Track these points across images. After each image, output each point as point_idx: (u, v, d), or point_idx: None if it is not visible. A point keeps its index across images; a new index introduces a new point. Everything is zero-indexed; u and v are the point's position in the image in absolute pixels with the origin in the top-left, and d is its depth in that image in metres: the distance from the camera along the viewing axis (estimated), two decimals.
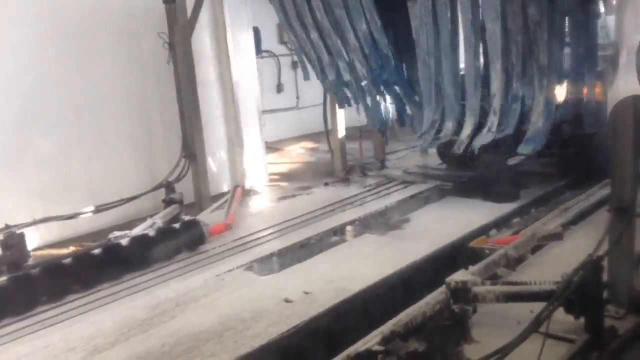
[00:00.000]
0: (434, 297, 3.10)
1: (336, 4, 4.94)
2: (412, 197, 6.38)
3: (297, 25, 5.33)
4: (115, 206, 5.69)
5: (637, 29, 3.23)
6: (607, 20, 6.58)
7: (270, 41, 9.62)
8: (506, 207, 5.65)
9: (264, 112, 7.82)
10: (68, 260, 4.49)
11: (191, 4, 6.02)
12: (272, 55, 9.92)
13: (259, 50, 8.31)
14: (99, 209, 5.58)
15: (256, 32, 7.84)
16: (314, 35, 5.27)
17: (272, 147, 9.17)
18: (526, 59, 4.29)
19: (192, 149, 6.10)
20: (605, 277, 3.01)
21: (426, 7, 4.55)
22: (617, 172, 3.17)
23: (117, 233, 5.04)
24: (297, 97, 10.36)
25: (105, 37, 6.01)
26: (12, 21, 5.38)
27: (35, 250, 5.14)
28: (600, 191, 5.37)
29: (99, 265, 4.54)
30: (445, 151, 7.06)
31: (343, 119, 7.40)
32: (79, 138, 5.91)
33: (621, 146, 3.14)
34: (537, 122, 4.39)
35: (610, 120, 3.29)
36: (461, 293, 3.06)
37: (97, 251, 4.62)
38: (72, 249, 5.30)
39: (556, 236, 4.25)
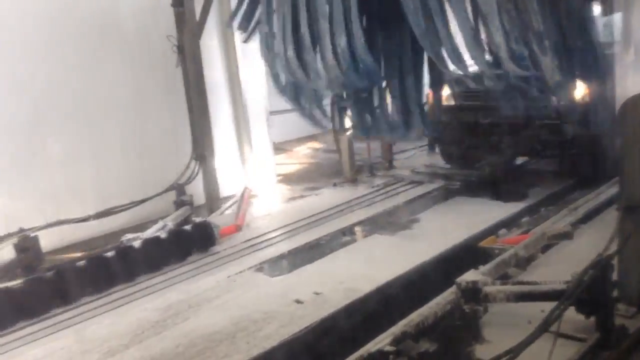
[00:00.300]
0: (445, 297, 3.12)
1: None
2: (420, 197, 6.39)
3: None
4: (126, 209, 5.74)
5: None
6: (611, 20, 6.57)
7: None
8: (515, 207, 5.66)
9: (272, 112, 7.86)
10: (82, 263, 4.54)
11: (199, 7, 6.07)
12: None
13: None
14: (110, 212, 5.63)
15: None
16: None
17: (280, 147, 9.20)
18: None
19: (201, 151, 6.14)
20: (615, 276, 3.02)
21: None
22: (626, 170, 3.17)
23: (129, 235, 5.10)
24: None
25: (115, 40, 6.07)
26: (23, 25, 5.44)
27: (48, 253, 5.20)
28: (609, 190, 5.37)
29: (112, 267, 4.59)
30: (449, 152, 7.12)
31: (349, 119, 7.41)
32: (90, 141, 5.97)
33: (630, 144, 3.15)
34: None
35: (619, 118, 3.30)
36: (472, 293, 3.08)
37: (110, 254, 4.67)
38: (85, 252, 5.35)
39: (566, 235, 4.26)
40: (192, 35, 6.01)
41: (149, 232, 5.19)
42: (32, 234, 4.74)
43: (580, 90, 5.67)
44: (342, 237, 5.37)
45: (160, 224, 5.34)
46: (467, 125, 6.53)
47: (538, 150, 6.26)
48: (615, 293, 3.03)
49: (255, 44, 6.66)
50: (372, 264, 4.52)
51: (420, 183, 6.81)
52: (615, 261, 3.00)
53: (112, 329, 3.86)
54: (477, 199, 6.01)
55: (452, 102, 6.59)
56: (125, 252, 4.72)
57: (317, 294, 4.03)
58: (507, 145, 6.22)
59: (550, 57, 3.72)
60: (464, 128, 6.58)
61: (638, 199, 3.13)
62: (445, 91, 6.63)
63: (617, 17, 6.48)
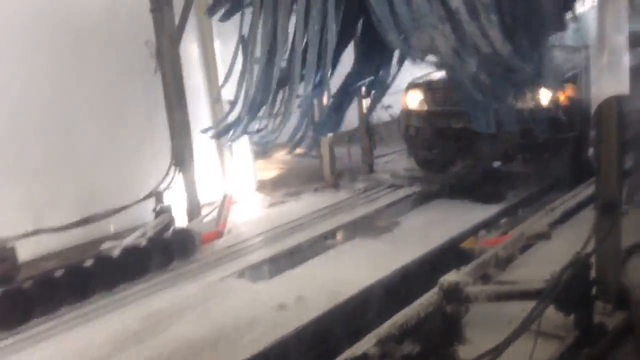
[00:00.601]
0: (428, 299, 3.15)
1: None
2: (400, 200, 6.44)
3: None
4: (105, 217, 5.67)
5: (619, 30, 3.29)
6: (583, 22, 6.69)
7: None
8: (494, 208, 5.73)
9: None
10: (60, 273, 4.48)
11: (178, 12, 6.02)
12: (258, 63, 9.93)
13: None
14: (88, 220, 5.55)
15: (244, 39, 7.84)
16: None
17: (261, 152, 9.16)
18: None
19: (181, 157, 6.09)
20: (593, 274, 3.07)
21: None
22: (602, 170, 3.24)
23: (108, 244, 5.04)
24: None
25: (92, 46, 5.99)
26: None
27: (25, 263, 5.11)
28: (585, 191, 5.46)
29: (91, 276, 4.53)
30: (422, 158, 7.18)
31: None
32: (68, 149, 5.88)
33: (606, 144, 3.22)
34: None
35: (595, 120, 3.37)
36: (454, 294, 3.11)
37: (88, 263, 4.61)
38: (63, 261, 5.27)
39: (544, 235, 4.32)
40: (171, 40, 5.96)
41: (129, 240, 5.13)
42: (9, 244, 4.66)
43: (550, 93, 5.78)
44: (324, 242, 5.38)
45: (139, 231, 5.28)
46: (439, 130, 6.52)
47: (511, 154, 6.28)
48: (593, 291, 3.08)
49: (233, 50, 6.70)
50: (355, 268, 4.54)
51: (400, 186, 6.87)
52: (593, 260, 3.05)
53: (93, 339, 3.82)
54: (456, 202, 6.08)
55: (425, 108, 6.64)
56: (104, 260, 4.66)
57: (300, 298, 4.03)
58: (479, 150, 6.23)
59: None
60: (436, 133, 6.58)
61: (613, 198, 3.19)
62: (418, 97, 6.70)
63: (588, 17, 6.61)
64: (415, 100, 6.77)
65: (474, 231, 5.09)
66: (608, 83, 3.25)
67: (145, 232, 5.25)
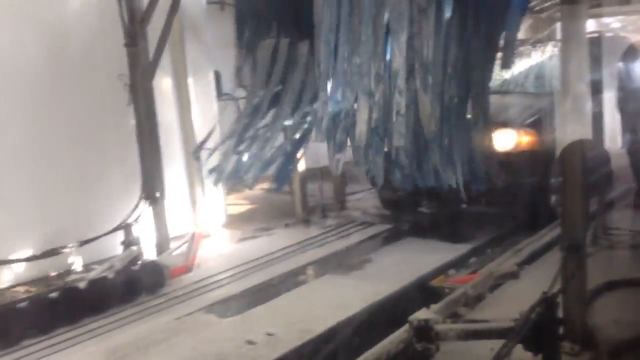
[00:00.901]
0: (398, 336, 3.16)
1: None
2: (371, 237, 6.48)
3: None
4: (71, 248, 5.57)
5: (581, 78, 3.45)
6: (543, 70, 6.92)
7: (230, 85, 9.70)
8: (463, 248, 5.80)
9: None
10: (23, 304, 4.37)
11: (153, 46, 6.07)
12: (232, 98, 9.99)
13: (219, 93, 8.38)
14: (55, 252, 5.45)
15: (217, 75, 7.94)
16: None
17: (231, 187, 9.15)
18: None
19: (152, 190, 6.05)
20: (560, 314, 3.13)
21: None
22: (567, 212, 3.35)
23: (74, 276, 4.95)
24: None
25: (64, 78, 5.95)
26: None
27: None
28: (551, 232, 5.58)
29: (56, 308, 4.43)
30: (387, 198, 7.11)
31: (303, 160, 7.49)
32: (34, 179, 5.79)
33: (570, 187, 3.33)
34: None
35: (560, 164, 3.49)
36: (424, 331, 3.13)
37: (53, 294, 4.51)
38: (27, 292, 5.14)
39: (512, 275, 4.40)
40: (144, 74, 5.99)
41: (95, 273, 5.06)
42: None
43: (510, 139, 5.84)
44: (295, 278, 5.36)
45: (107, 264, 5.21)
46: None
47: (474, 198, 5.93)
48: (560, 331, 3.14)
49: (206, 85, 6.94)
50: (325, 305, 4.52)
51: (371, 224, 6.92)
52: (559, 299, 3.12)
53: None
54: (427, 240, 6.14)
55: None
56: (70, 292, 4.57)
57: (269, 334, 3.99)
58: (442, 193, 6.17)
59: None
60: None
61: (579, 239, 3.29)
62: None
63: (547, 65, 6.84)
64: None
65: (443, 270, 5.15)
66: (571, 128, 3.40)
67: (113, 265, 5.19)
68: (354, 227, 6.86)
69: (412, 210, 7.07)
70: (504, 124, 5.82)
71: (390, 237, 6.45)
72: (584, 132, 3.38)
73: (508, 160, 5.63)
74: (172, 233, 6.37)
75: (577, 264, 3.24)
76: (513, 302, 3.61)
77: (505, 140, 5.83)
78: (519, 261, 4.87)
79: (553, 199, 6.15)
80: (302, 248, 6.17)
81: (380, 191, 7.12)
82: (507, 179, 5.51)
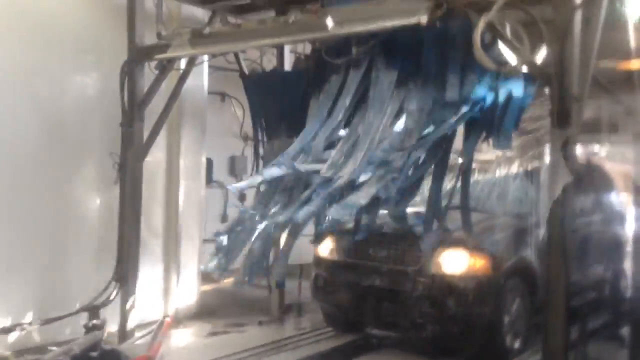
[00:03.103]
0: None
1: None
2: (347, 344, 6.20)
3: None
4: (30, 328, 5.31)
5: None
6: (507, 190, 6.52)
7: (220, 173, 9.75)
8: None
9: (205, 240, 7.71)
10: None
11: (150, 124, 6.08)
12: (221, 186, 10.00)
13: (209, 180, 8.40)
14: (11, 329, 5.19)
15: (209, 162, 7.99)
16: None
17: (208, 277, 8.92)
18: None
19: (124, 273, 5.87)
20: None
21: None
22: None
23: (29, 358, 4.67)
24: None
25: (52, 150, 5.90)
26: None
27: None
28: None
29: None
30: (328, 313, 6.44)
31: None
32: (5, 248, 5.60)
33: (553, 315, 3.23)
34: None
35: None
36: None
37: None
38: None
39: None
40: (136, 155, 5.98)
41: (52, 355, 4.78)
42: None
43: (461, 261, 5.25)
44: None
45: (64, 347, 4.93)
46: (347, 285, 5.81)
47: (420, 323, 5.38)
48: None
49: (197, 171, 7.03)
50: None
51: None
52: None
53: None
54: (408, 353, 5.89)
55: (334, 257, 6.00)
56: None
57: None
58: (386, 315, 5.56)
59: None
60: (344, 289, 5.87)
61: None
62: (329, 244, 6.06)
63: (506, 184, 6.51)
64: (326, 247, 6.08)
65: None
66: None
67: (71, 349, 4.90)
68: (331, 332, 6.59)
69: (357, 329, 6.37)
70: (456, 243, 5.29)
71: (368, 346, 6.16)
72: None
73: (455, 285, 5.18)
74: (140, 319, 6.13)
75: None
76: None
77: (456, 261, 5.28)
78: None
79: (508, 340, 5.43)
80: (273, 349, 5.90)
81: (323, 305, 6.42)
82: (454, 306, 5.16)
